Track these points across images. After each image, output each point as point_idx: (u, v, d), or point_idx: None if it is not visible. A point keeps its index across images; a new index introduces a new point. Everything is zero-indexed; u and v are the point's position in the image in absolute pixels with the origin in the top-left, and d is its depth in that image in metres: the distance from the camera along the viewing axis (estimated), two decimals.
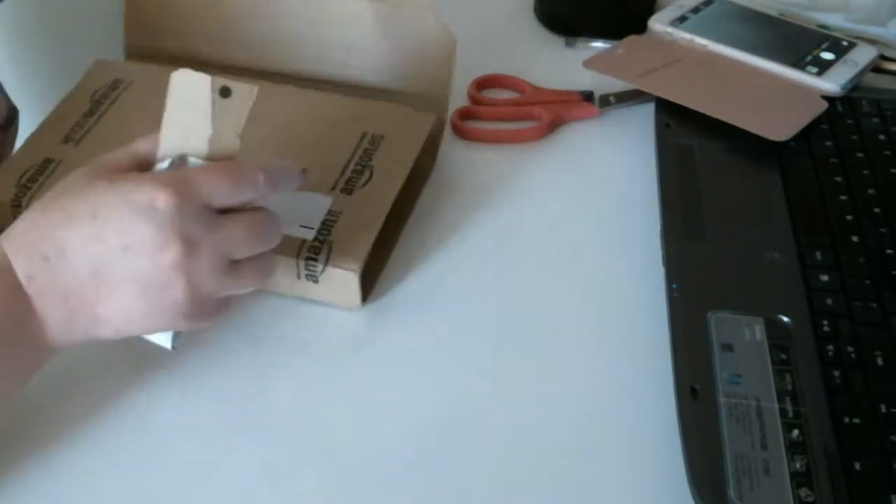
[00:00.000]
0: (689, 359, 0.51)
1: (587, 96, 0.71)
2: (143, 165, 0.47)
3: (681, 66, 0.72)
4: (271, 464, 0.49)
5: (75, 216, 0.45)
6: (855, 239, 0.58)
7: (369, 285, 0.57)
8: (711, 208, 0.60)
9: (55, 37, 1.00)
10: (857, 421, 0.48)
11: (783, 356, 0.51)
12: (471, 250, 0.60)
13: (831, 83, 0.69)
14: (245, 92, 0.47)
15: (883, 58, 0.74)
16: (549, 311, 0.57)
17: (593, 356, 0.54)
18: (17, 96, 0.79)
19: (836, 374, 0.50)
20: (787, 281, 0.55)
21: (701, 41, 0.74)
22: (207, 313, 0.47)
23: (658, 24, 0.76)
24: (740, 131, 0.65)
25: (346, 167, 0.59)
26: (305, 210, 0.56)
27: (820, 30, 0.76)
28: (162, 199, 0.43)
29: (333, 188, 0.58)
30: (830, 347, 0.51)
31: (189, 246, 0.44)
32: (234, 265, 0.47)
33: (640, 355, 0.54)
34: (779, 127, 0.65)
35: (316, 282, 0.55)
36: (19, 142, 0.66)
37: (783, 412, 0.48)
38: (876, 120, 0.68)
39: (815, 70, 0.70)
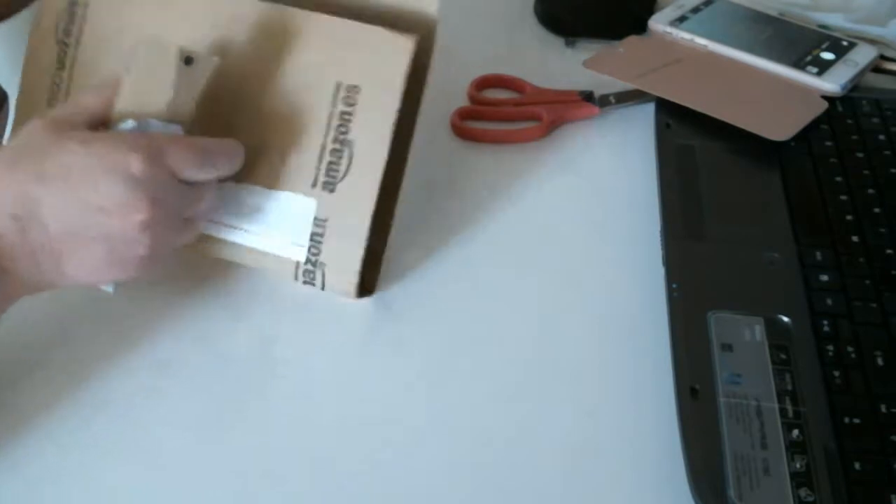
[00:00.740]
0: (689, 359, 0.51)
1: (587, 96, 0.71)
2: (96, 122, 0.49)
3: (681, 66, 0.72)
4: (266, 462, 0.49)
5: (47, 176, 0.46)
6: (855, 239, 0.58)
7: (371, 273, 0.57)
8: (711, 208, 0.60)
9: None
10: (857, 421, 0.48)
11: (783, 356, 0.51)
12: (470, 250, 0.60)
13: (831, 83, 0.69)
14: (207, 62, 0.50)
15: (883, 58, 0.74)
16: (548, 311, 0.57)
17: (593, 356, 0.54)
18: (7, 83, 0.79)
19: (836, 374, 0.50)
20: (787, 281, 0.55)
21: (701, 41, 0.74)
22: (161, 261, 0.51)
23: (658, 24, 0.76)
24: (740, 131, 0.65)
25: (323, 148, 0.54)
26: (290, 218, 0.55)
27: (820, 30, 0.76)
28: (136, 163, 0.46)
29: (314, 185, 0.55)
30: (830, 347, 0.51)
31: (157, 209, 0.47)
32: (188, 220, 0.52)
33: (640, 355, 0.54)
34: (779, 127, 0.65)
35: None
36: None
37: (783, 412, 0.48)
38: (876, 120, 0.68)
39: (815, 70, 0.70)
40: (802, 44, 0.73)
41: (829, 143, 0.65)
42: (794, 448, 0.47)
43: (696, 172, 0.63)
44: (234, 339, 0.55)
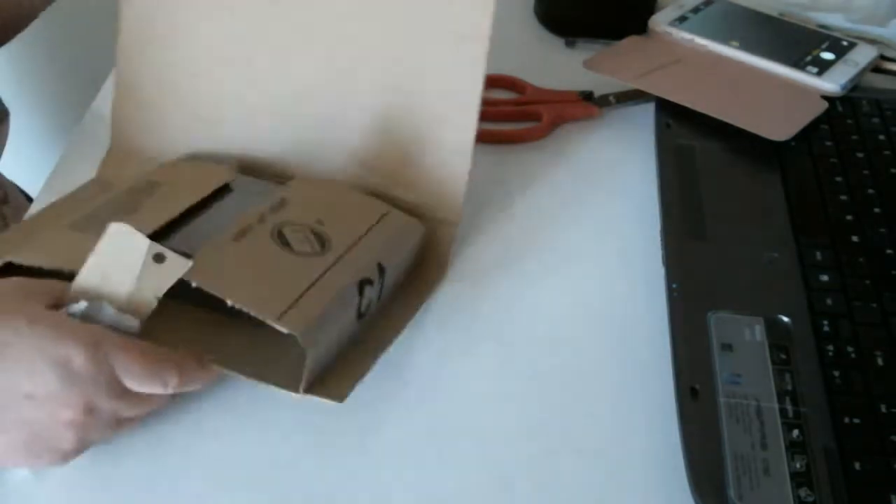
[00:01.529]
0: (689, 359, 0.51)
1: (587, 96, 0.71)
2: (60, 298, 0.46)
3: (681, 66, 0.72)
4: None
5: None
6: (855, 239, 0.58)
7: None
8: (711, 208, 0.60)
9: (48, 40, 1.00)
10: (857, 421, 0.48)
11: (783, 356, 0.51)
12: (469, 250, 0.60)
13: (831, 83, 0.69)
14: (178, 264, 0.46)
15: (883, 58, 0.74)
16: (548, 310, 0.57)
17: (593, 356, 0.54)
18: (7, 98, 0.79)
19: (836, 374, 0.50)
20: (787, 281, 0.55)
21: (701, 41, 0.74)
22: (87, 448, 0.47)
23: (658, 24, 0.76)
24: (740, 131, 0.65)
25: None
26: None
27: (820, 30, 0.76)
28: (77, 359, 0.43)
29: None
30: (830, 347, 0.51)
31: (89, 410, 0.44)
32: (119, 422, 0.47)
33: (640, 355, 0.54)
34: (779, 127, 0.65)
35: None
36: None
37: (783, 412, 0.48)
38: (876, 120, 0.68)
39: (815, 70, 0.70)
40: (802, 44, 0.73)
41: (829, 143, 0.65)
42: (794, 448, 0.47)
43: (696, 172, 0.63)
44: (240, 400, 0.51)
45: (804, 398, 0.49)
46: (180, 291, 0.47)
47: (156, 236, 0.51)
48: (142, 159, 0.63)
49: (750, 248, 0.57)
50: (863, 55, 0.72)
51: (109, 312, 0.46)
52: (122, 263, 0.46)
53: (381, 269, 0.53)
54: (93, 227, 0.49)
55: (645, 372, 0.52)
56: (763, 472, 0.45)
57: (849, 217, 0.60)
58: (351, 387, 0.50)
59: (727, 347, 0.51)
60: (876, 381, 0.50)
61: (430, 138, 0.63)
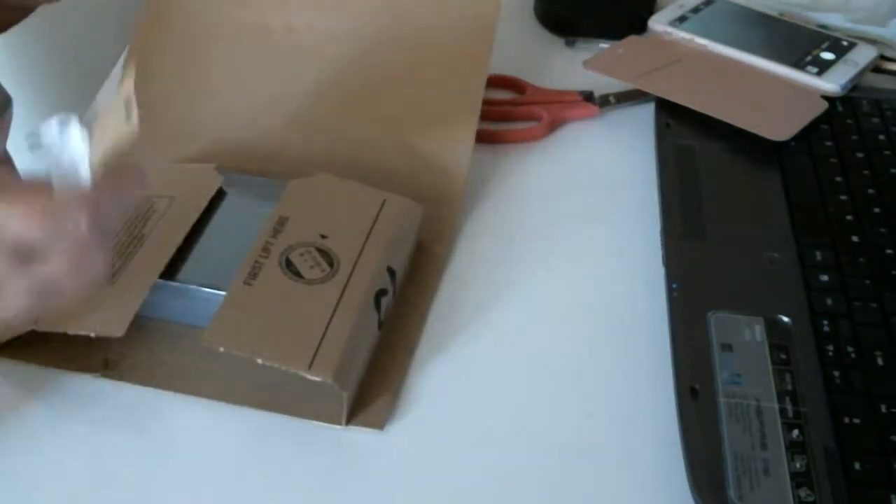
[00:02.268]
0: (689, 359, 0.51)
1: (587, 96, 0.71)
2: None
3: (681, 66, 0.72)
4: None
5: None
6: (855, 239, 0.58)
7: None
8: (711, 208, 0.60)
9: (50, 28, 1.00)
10: (857, 421, 0.48)
11: (783, 356, 0.51)
12: (469, 250, 0.60)
13: (831, 83, 0.69)
14: (128, 128, 0.45)
15: (883, 58, 0.74)
16: (548, 310, 0.57)
17: (593, 356, 0.54)
18: (10, 85, 0.79)
19: (836, 374, 0.50)
20: (787, 281, 0.55)
21: (701, 41, 0.74)
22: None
23: (658, 24, 0.76)
24: (740, 131, 0.65)
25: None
26: None
27: (820, 30, 0.76)
28: None
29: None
30: (830, 347, 0.51)
31: None
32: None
33: (640, 355, 0.54)
34: (779, 127, 0.65)
35: None
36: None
37: (783, 412, 0.48)
38: (876, 120, 0.68)
39: (815, 70, 0.70)
40: (802, 44, 0.73)
41: (829, 143, 0.65)
42: (794, 448, 0.47)
43: (696, 172, 0.63)
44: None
45: (804, 398, 0.49)
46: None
47: (171, 263, 0.53)
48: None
49: (750, 248, 0.57)
50: (863, 55, 0.72)
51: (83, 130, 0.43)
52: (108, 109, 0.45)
53: (392, 273, 0.54)
54: None
55: (645, 372, 0.52)
56: (763, 472, 0.45)
57: (849, 217, 0.60)
58: (387, 414, 0.51)
59: (727, 347, 0.51)
60: (876, 381, 0.50)
61: (430, 138, 0.63)
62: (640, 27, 0.77)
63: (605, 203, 0.64)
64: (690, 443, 0.47)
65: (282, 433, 0.50)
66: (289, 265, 0.52)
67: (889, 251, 0.57)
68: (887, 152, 0.65)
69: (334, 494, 0.48)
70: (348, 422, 0.50)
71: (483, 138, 0.68)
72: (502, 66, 0.72)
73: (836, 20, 0.77)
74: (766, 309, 0.53)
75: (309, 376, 0.47)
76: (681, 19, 0.76)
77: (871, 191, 0.62)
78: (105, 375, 0.52)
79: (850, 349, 0.51)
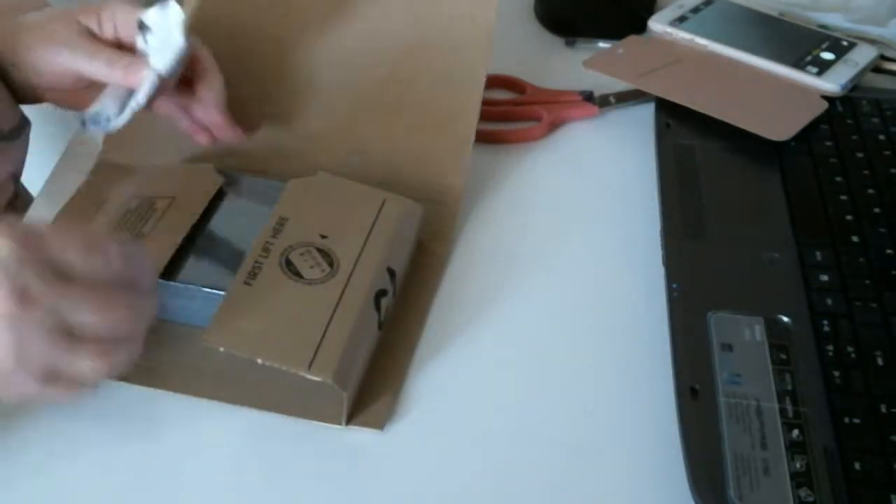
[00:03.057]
0: (689, 359, 0.51)
1: (587, 96, 0.71)
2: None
3: (681, 66, 0.72)
4: None
5: None
6: (855, 239, 0.58)
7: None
8: (711, 208, 0.60)
9: None
10: (857, 421, 0.48)
11: (783, 356, 0.51)
12: (469, 250, 0.60)
13: (831, 83, 0.69)
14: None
15: (883, 58, 0.74)
16: (549, 310, 0.57)
17: (593, 356, 0.54)
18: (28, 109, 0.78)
19: (836, 374, 0.50)
20: (787, 281, 0.55)
21: (701, 41, 0.74)
22: (29, 383, 0.41)
23: (658, 24, 0.76)
24: (740, 131, 0.65)
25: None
26: None
27: (820, 30, 0.76)
28: (5, 247, 0.39)
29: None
30: (830, 347, 0.51)
31: (24, 299, 0.39)
32: (73, 337, 0.41)
33: (640, 355, 0.54)
34: (779, 127, 0.65)
35: None
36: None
37: (783, 412, 0.48)
38: (876, 120, 0.68)
39: (815, 70, 0.70)
40: (802, 44, 0.73)
41: (829, 143, 0.65)
42: (794, 448, 0.47)
43: (696, 172, 0.63)
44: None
45: (804, 398, 0.49)
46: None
47: (171, 263, 0.54)
48: (130, 170, 0.63)
49: (750, 248, 0.57)
50: (863, 55, 0.72)
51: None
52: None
53: (392, 273, 0.54)
54: None
55: (645, 372, 0.52)
56: (763, 472, 0.45)
57: (849, 217, 0.60)
58: (387, 415, 0.51)
59: (727, 347, 0.51)
60: (876, 381, 0.50)
61: (430, 138, 0.63)
62: (640, 27, 0.77)
63: (605, 203, 0.64)
64: (690, 443, 0.47)
65: (282, 433, 0.50)
66: (289, 265, 0.52)
67: (889, 251, 0.57)
68: (887, 152, 0.65)
69: (334, 494, 0.48)
70: (348, 422, 0.50)
71: (483, 138, 0.68)
72: (502, 66, 0.72)
73: (836, 20, 0.77)
74: (766, 309, 0.53)
75: (309, 376, 0.47)
76: (681, 19, 0.76)
77: (871, 191, 0.62)
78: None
79: (850, 349, 0.51)
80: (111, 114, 0.55)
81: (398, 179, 0.60)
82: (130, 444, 0.50)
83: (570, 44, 0.78)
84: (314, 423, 0.50)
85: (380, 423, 0.50)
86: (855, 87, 0.70)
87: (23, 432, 0.50)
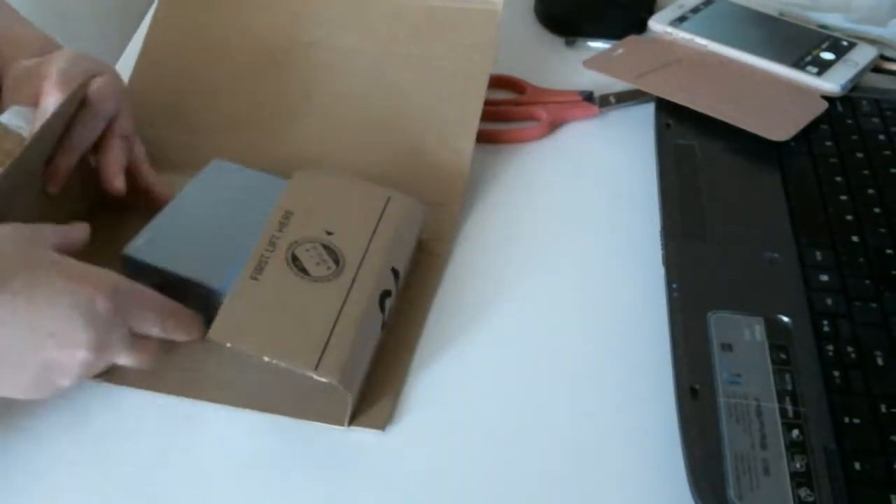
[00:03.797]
0: (689, 359, 0.51)
1: (587, 96, 0.71)
2: (66, 249, 0.49)
3: (681, 66, 0.72)
4: None
5: (8, 288, 0.44)
6: (855, 239, 0.58)
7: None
8: (711, 208, 0.60)
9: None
10: (857, 421, 0.48)
11: (783, 356, 0.51)
12: (469, 250, 0.60)
13: (831, 83, 0.69)
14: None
15: (883, 58, 0.74)
16: (548, 310, 0.57)
17: (593, 356, 0.54)
18: None
19: (836, 374, 0.50)
20: (787, 281, 0.55)
21: (701, 41, 0.74)
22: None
23: (658, 24, 0.76)
24: (740, 131, 0.65)
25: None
26: None
27: (820, 30, 0.76)
28: (101, 302, 0.46)
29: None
30: (830, 347, 0.51)
31: (100, 351, 0.46)
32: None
33: (640, 355, 0.54)
34: (779, 127, 0.65)
35: None
36: None
37: (783, 412, 0.48)
38: (876, 120, 0.68)
39: (815, 70, 0.70)
40: (802, 44, 0.73)
41: (829, 143, 0.65)
42: (794, 448, 0.47)
43: (696, 172, 0.63)
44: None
45: (804, 398, 0.49)
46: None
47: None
48: None
49: (750, 248, 0.57)
50: (863, 55, 0.72)
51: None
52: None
53: (396, 274, 0.54)
54: None
55: (645, 372, 0.52)
56: (763, 472, 0.45)
57: (849, 217, 0.60)
58: (389, 416, 0.51)
59: (727, 347, 0.51)
60: (876, 381, 0.50)
61: (430, 139, 0.63)
62: (640, 27, 0.77)
63: (605, 203, 0.64)
64: (690, 443, 0.47)
65: (283, 434, 0.50)
66: (295, 261, 0.52)
67: (889, 251, 0.57)
68: (887, 152, 0.65)
69: (336, 495, 0.48)
70: (350, 423, 0.50)
71: (483, 138, 0.68)
72: (502, 66, 0.72)
73: (836, 20, 0.77)
74: (766, 309, 0.53)
75: (316, 377, 0.47)
76: (681, 19, 0.76)
77: (871, 191, 0.62)
78: (106, 380, 0.52)
79: (850, 349, 0.51)
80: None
81: (399, 180, 0.60)
82: (131, 444, 0.50)
83: (570, 44, 0.78)
84: (316, 424, 0.50)
85: (381, 424, 0.50)
86: (855, 87, 0.70)
87: (23, 432, 0.50)
